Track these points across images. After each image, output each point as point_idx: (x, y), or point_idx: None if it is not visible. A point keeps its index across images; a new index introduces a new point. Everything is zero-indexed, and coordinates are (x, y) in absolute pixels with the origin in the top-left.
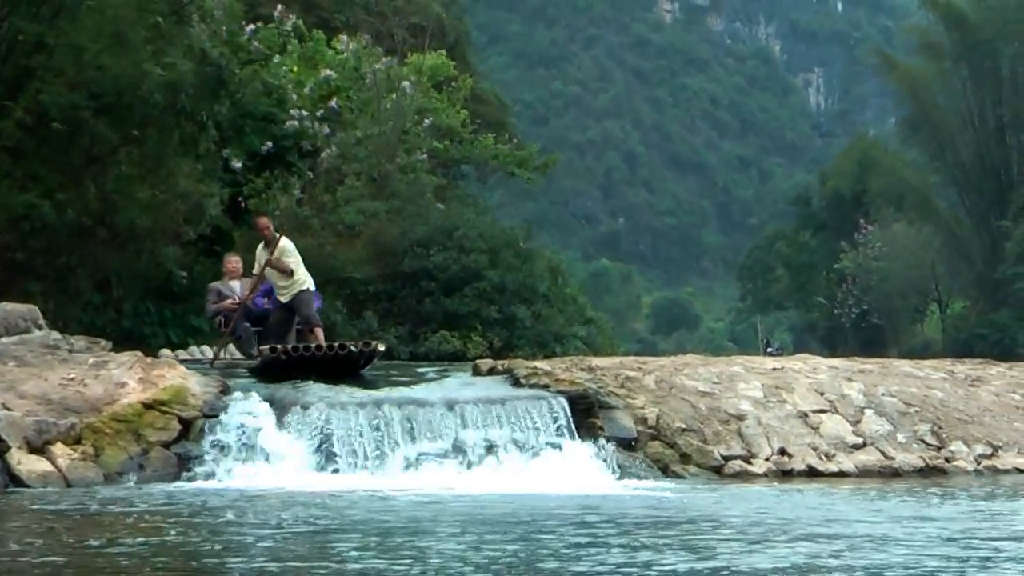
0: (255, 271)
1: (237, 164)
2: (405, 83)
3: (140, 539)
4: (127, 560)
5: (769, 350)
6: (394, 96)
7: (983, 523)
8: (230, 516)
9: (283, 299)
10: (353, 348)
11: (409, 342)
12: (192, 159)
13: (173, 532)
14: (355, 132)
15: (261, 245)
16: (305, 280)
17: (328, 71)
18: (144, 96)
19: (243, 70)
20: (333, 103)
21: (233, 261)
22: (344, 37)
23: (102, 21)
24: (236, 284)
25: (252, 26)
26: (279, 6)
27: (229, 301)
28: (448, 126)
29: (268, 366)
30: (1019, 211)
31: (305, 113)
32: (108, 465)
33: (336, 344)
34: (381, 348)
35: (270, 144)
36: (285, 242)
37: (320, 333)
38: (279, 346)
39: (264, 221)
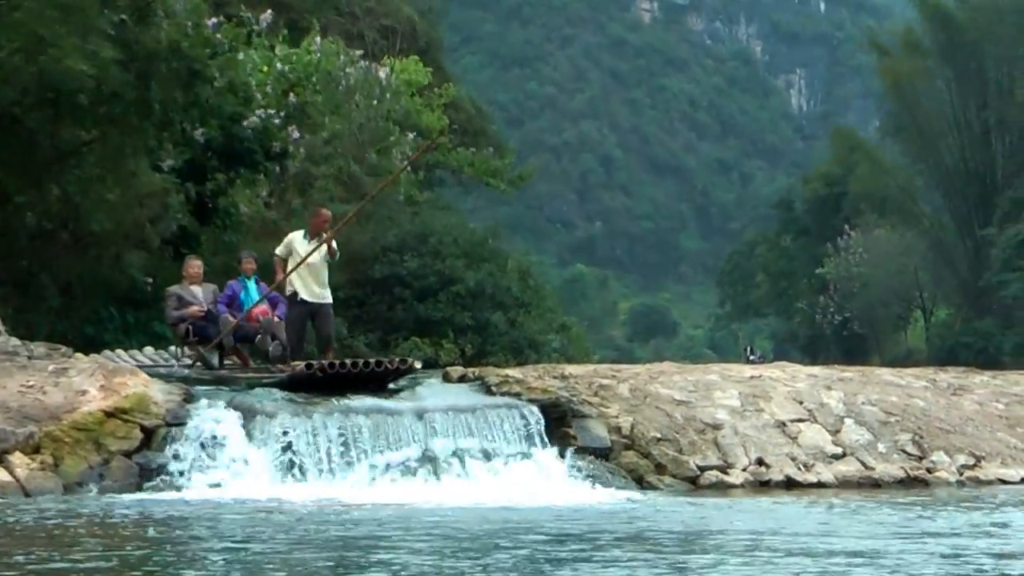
0: (296, 252)
1: (170, 162)
2: (382, 73)
3: (93, 553)
4: None
5: (751, 358)
6: (359, 98)
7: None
8: (189, 529)
9: (310, 300)
10: (389, 365)
11: (379, 349)
12: (157, 158)
13: (129, 545)
14: (323, 133)
15: (300, 235)
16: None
17: (281, 65)
18: (102, 90)
19: (210, 63)
20: (292, 98)
21: (195, 265)
22: (318, 39)
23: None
24: (197, 289)
25: (214, 20)
26: (265, 13)
27: (195, 308)
28: (426, 125)
29: (298, 382)
30: (1004, 217)
31: (271, 111)
32: (68, 475)
33: (372, 360)
34: (417, 365)
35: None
36: (334, 244)
37: (331, 355)
38: (315, 362)
39: (327, 213)
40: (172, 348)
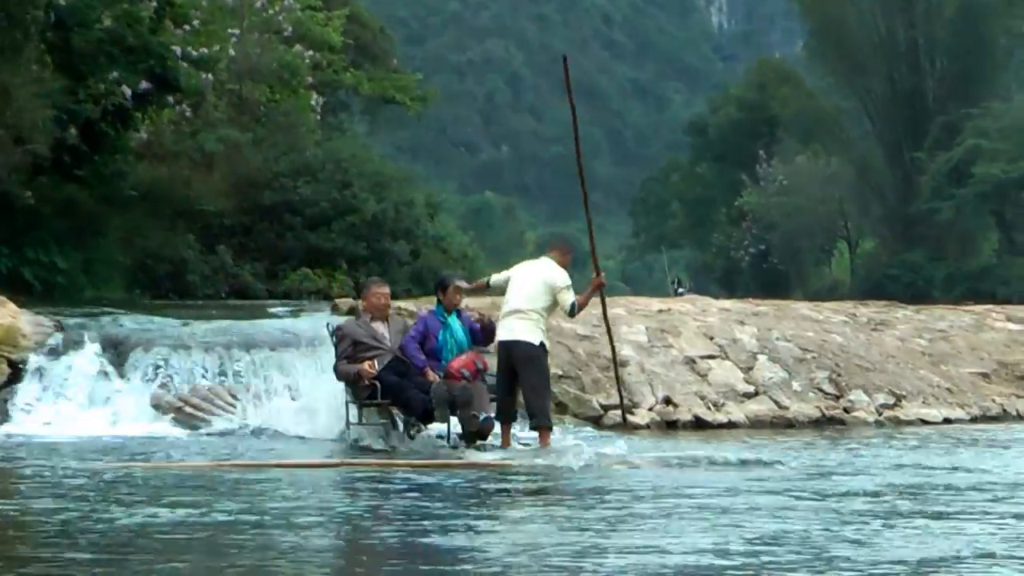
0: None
1: (127, 91)
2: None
3: None
4: None
5: (680, 290)
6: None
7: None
8: (49, 474)
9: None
10: None
11: (266, 280)
12: (20, 69)
13: None
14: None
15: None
16: None
17: None
18: None
19: None
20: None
21: (382, 294)
22: None
23: None
24: (382, 327)
25: None
26: None
27: (367, 364)
28: (324, 41)
29: None
30: (935, 143)
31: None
32: None
33: None
34: None
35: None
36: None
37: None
38: None
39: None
40: None
